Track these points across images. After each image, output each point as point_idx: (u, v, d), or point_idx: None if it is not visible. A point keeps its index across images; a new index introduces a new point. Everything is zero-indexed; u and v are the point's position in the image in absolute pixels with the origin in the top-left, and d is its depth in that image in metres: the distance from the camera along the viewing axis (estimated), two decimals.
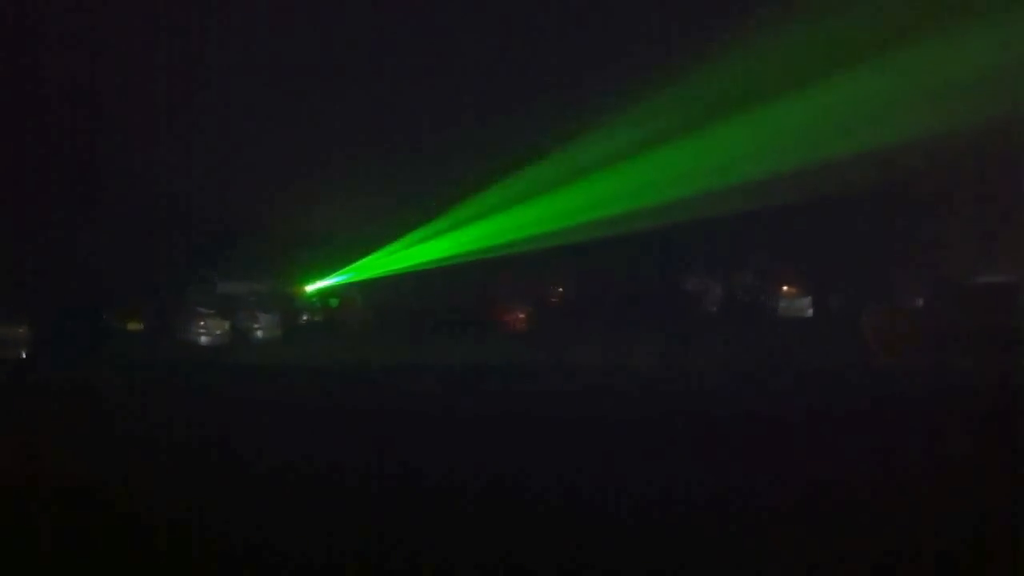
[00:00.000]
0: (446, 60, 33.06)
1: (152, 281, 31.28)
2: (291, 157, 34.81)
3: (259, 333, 29.24)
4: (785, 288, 33.26)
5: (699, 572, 7.29)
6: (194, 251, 33.51)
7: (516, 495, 9.54)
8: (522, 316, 31.21)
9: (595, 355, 23.11)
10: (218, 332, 28.03)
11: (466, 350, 25.15)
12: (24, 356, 23.75)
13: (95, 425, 14.44)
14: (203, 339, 27.80)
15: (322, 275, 33.82)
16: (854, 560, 7.35)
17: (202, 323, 28.02)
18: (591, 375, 19.95)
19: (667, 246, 33.23)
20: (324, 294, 33.95)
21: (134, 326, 28.80)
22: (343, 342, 27.82)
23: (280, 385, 19.72)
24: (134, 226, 33.31)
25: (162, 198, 33.93)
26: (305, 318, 32.45)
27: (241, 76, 33.57)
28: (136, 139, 33.81)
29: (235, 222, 33.93)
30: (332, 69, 33.29)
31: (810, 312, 32.36)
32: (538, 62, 33.10)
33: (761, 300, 33.69)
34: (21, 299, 26.47)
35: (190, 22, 33.44)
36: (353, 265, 33.48)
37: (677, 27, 32.41)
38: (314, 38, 33.65)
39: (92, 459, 11.42)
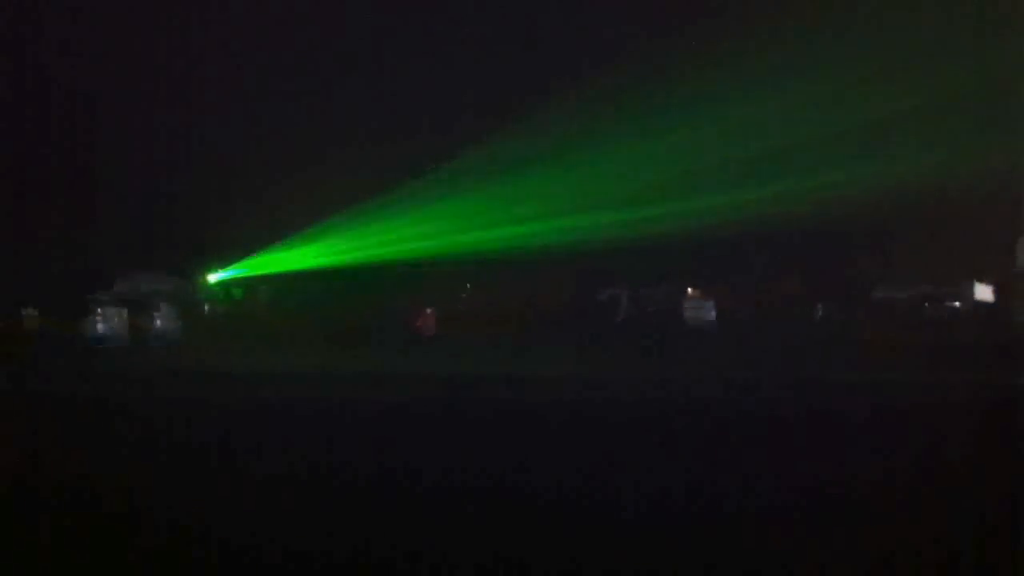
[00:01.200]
0: (404, 52, 32.26)
1: (47, 272, 30.00)
2: (197, 145, 33.27)
3: (158, 324, 28.44)
4: (689, 291, 33.40)
5: None
6: (92, 242, 32.19)
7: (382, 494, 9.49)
8: (430, 321, 31.06)
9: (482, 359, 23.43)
10: (115, 325, 27.27)
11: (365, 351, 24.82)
12: None
13: None
14: (99, 332, 26.99)
15: (226, 267, 33.07)
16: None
17: (99, 315, 27.25)
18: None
19: (577, 258, 33.29)
20: (227, 287, 33.21)
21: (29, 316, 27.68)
22: (242, 339, 27.11)
23: (169, 384, 19.06)
24: (28, 215, 31.75)
25: (58, 186, 32.31)
26: (207, 311, 31.83)
27: (146, 60, 32.18)
28: (30, 123, 32.02)
29: (136, 212, 32.70)
30: (252, 57, 32.08)
31: (712, 317, 32.31)
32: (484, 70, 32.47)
33: (667, 309, 34.00)
34: None
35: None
36: (259, 259, 32.71)
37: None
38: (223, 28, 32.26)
39: None
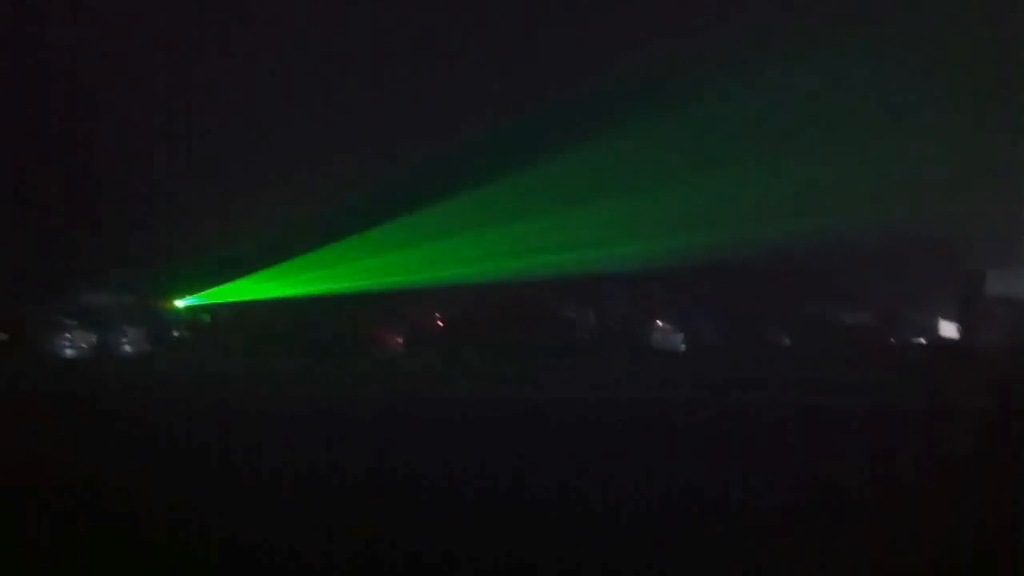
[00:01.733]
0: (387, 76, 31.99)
1: (10, 289, 29.02)
2: (170, 160, 32.58)
3: (127, 347, 28.06)
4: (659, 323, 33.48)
5: None
6: (58, 257, 31.25)
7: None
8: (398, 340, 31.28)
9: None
10: (83, 345, 26.84)
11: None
12: None
13: None
14: (67, 351, 26.50)
15: (197, 291, 32.65)
16: None
17: (66, 335, 26.71)
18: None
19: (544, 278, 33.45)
20: (196, 310, 32.86)
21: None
22: (209, 359, 26.38)
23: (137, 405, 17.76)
24: None
25: (21, 196, 31.32)
26: (176, 334, 31.34)
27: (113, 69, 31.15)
28: None
29: (104, 226, 31.95)
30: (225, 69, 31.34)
31: (683, 347, 32.25)
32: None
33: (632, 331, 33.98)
34: None
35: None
36: (231, 284, 32.34)
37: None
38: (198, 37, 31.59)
39: None
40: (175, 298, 32.39)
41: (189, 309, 32.78)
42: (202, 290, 32.46)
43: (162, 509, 8.65)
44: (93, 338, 27.31)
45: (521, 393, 18.28)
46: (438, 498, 9.25)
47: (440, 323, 34.50)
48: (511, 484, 9.78)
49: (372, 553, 7.49)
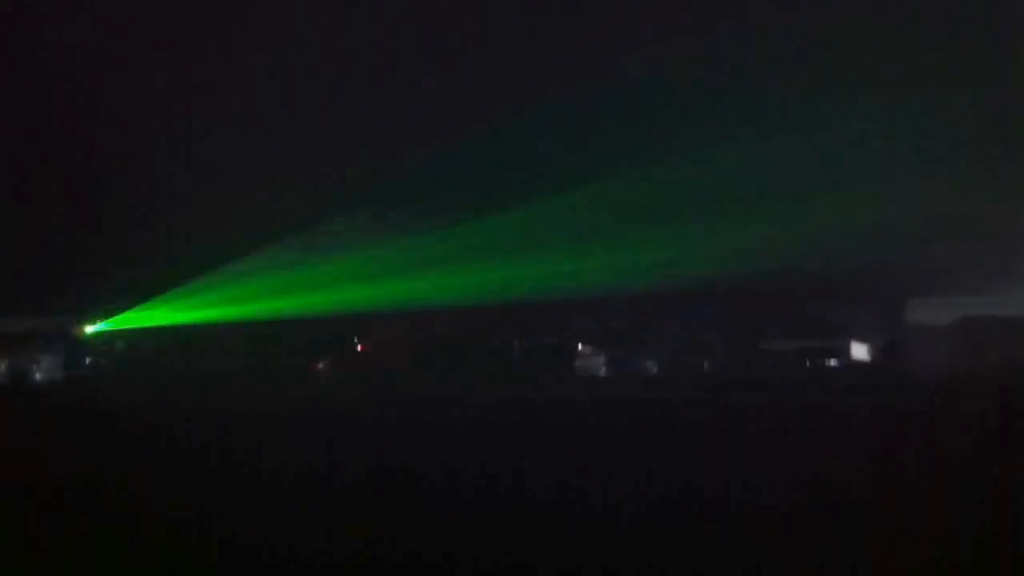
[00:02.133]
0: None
1: None
2: (89, 171, 29.49)
3: (37, 375, 27.10)
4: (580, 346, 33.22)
5: None
6: None
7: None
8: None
9: None
10: None
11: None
12: None
13: None
14: None
15: (114, 316, 31.80)
16: None
17: None
18: None
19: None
20: (113, 337, 32.08)
21: None
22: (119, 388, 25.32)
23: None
24: None
25: None
26: (90, 360, 30.25)
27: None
28: None
29: (14, 244, 29.93)
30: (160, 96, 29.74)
31: (603, 371, 32.04)
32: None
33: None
34: None
35: None
36: (150, 309, 31.35)
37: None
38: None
39: None
40: (95, 323, 31.65)
41: (106, 335, 32.06)
42: (118, 314, 31.63)
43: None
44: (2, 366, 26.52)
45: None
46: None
47: (361, 348, 33.91)
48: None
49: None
